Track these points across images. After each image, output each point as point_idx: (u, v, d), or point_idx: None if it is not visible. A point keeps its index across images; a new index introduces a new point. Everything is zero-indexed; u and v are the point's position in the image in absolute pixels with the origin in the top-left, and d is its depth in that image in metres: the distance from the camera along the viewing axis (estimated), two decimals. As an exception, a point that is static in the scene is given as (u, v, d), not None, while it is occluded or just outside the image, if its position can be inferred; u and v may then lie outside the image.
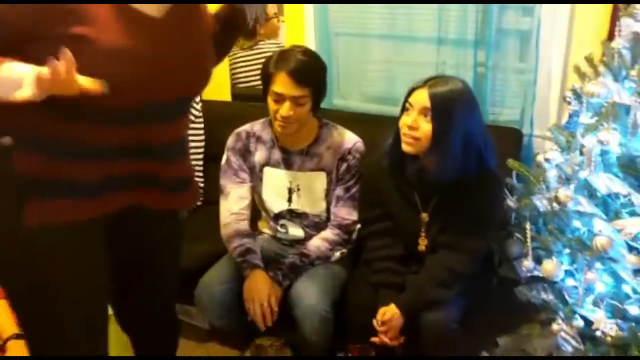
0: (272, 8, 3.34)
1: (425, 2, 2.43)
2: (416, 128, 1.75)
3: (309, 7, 2.69)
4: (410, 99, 1.78)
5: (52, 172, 1.29)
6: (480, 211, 1.84)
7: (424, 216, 1.93)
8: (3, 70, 1.14)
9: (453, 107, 1.74)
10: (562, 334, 1.72)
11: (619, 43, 1.70)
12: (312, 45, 2.68)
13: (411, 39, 2.53)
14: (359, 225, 2.09)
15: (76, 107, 1.19)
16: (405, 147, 1.79)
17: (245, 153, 2.10)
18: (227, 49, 1.65)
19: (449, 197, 1.87)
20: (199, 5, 1.42)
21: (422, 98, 1.75)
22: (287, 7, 2.80)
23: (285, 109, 1.88)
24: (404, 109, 1.81)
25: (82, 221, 1.34)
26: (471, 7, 2.34)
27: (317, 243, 2.05)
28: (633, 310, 1.56)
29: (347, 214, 2.05)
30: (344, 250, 2.11)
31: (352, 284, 2.09)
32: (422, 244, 1.95)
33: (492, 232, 1.91)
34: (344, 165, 2.04)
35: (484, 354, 2.19)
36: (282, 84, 1.86)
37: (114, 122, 1.30)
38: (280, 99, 1.89)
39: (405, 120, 1.79)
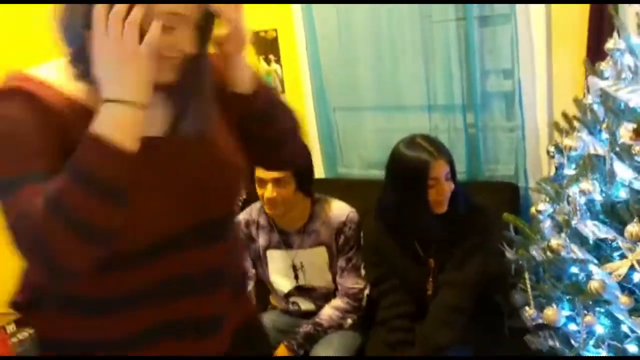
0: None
1: (419, 2, 2.53)
2: (445, 192, 1.95)
3: (308, 84, 2.89)
4: (433, 174, 1.93)
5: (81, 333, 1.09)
6: (473, 242, 1.98)
7: (431, 262, 2.05)
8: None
9: (452, 158, 2.01)
10: (571, 378, 1.78)
11: (589, 99, 1.85)
12: (313, 120, 2.87)
13: (403, 108, 2.71)
14: (367, 291, 2.19)
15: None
16: (442, 210, 1.97)
17: (248, 241, 2.23)
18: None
19: (444, 238, 2.01)
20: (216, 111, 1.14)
21: (442, 168, 1.94)
22: (287, 85, 3.00)
23: (268, 192, 2.03)
24: (426, 186, 1.94)
25: None
26: (456, 74, 2.52)
27: (329, 312, 2.15)
28: (632, 349, 1.63)
29: (353, 283, 2.16)
30: (355, 317, 2.20)
31: (370, 344, 2.16)
32: (430, 289, 2.05)
33: (488, 260, 2.02)
34: (342, 238, 2.15)
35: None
36: (262, 169, 2.00)
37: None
38: (262, 182, 2.04)
39: (434, 194, 1.95)
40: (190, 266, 1.09)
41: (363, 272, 2.19)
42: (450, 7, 2.46)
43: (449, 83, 2.54)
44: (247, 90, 1.13)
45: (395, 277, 2.08)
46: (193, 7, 0.98)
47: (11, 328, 2.41)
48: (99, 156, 0.90)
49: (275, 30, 2.93)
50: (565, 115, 1.96)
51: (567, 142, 1.84)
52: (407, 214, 1.99)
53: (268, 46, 2.94)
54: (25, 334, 2.44)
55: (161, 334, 1.11)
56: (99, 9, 0.92)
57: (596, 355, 1.70)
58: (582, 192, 1.72)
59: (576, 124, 1.89)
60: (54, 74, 1.02)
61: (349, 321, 2.18)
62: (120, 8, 0.92)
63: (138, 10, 0.92)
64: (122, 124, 0.92)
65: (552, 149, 2.00)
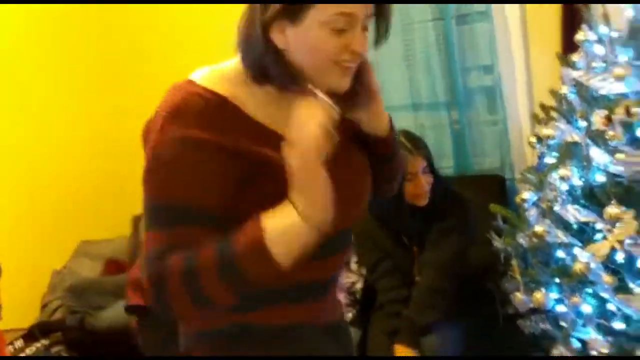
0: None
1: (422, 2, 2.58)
2: (423, 185, 2.04)
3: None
4: (410, 169, 2.02)
5: None
6: (447, 224, 2.08)
7: (415, 249, 2.14)
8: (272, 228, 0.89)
9: (429, 151, 2.09)
10: (563, 358, 1.85)
11: (564, 90, 1.93)
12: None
13: (389, 108, 2.75)
14: (360, 285, 2.26)
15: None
16: (422, 203, 2.06)
17: None
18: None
19: (426, 226, 2.11)
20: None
21: (418, 163, 2.04)
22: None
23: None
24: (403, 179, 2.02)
25: None
26: (438, 72, 2.60)
27: None
28: (619, 326, 1.70)
29: (343, 278, 2.23)
30: (354, 311, 2.26)
31: (371, 332, 2.22)
32: (416, 274, 2.13)
33: (464, 241, 2.11)
34: None
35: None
36: None
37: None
38: None
39: (410, 188, 2.03)
40: (325, 272, 1.09)
41: (353, 266, 2.27)
42: (427, 8, 2.54)
43: (431, 81, 2.62)
44: (385, 132, 1.12)
45: (389, 260, 2.16)
46: (361, 6, 0.94)
47: (19, 344, 2.46)
48: (257, 265, 0.88)
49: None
50: (542, 106, 2.04)
51: (545, 131, 1.92)
52: (387, 206, 2.07)
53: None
54: (33, 348, 2.49)
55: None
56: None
57: (586, 335, 1.77)
58: (562, 179, 1.79)
59: (553, 114, 1.96)
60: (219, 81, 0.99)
61: (349, 315, 2.24)
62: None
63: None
64: (297, 243, 0.89)
65: (533, 139, 2.08)
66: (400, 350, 1.99)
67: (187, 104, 0.94)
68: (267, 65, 0.95)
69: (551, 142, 1.91)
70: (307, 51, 0.94)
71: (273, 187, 0.94)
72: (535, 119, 2.07)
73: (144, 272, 0.91)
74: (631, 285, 1.67)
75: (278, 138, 0.94)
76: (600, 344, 1.71)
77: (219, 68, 1.02)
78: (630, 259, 1.69)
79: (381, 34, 1.01)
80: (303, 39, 0.93)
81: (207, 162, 0.93)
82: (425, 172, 2.06)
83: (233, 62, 1.02)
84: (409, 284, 2.12)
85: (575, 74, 1.84)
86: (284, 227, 0.89)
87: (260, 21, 0.93)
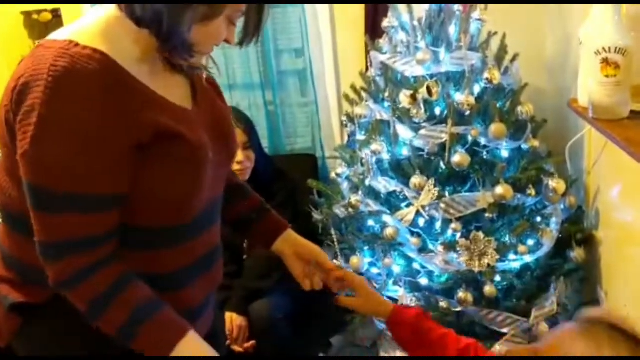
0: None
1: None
2: (242, 162, 2.06)
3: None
4: None
5: None
6: (278, 201, 2.11)
7: None
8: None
9: (252, 127, 2.15)
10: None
11: (372, 72, 2.11)
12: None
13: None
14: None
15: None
16: (243, 179, 2.03)
17: None
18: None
19: None
20: (222, 97, 1.19)
21: (238, 137, 2.01)
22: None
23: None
24: None
25: None
26: (253, 54, 2.64)
27: None
28: (424, 281, 1.93)
29: None
30: None
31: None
32: (245, 251, 2.16)
33: (296, 218, 2.17)
34: None
35: (321, 355, 2.46)
36: None
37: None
38: None
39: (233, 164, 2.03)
40: (214, 240, 1.13)
41: None
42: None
43: (246, 63, 2.66)
44: None
45: None
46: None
47: None
48: (149, 346, 0.96)
49: (57, 10, 2.73)
50: (353, 88, 2.19)
51: (357, 111, 2.07)
52: None
53: (43, 31, 2.64)
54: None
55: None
56: None
57: (395, 293, 1.97)
58: (373, 153, 1.96)
59: (363, 94, 2.13)
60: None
61: None
62: None
63: None
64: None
65: (344, 118, 2.23)
66: (230, 317, 2.02)
67: (76, 67, 0.86)
68: (172, 38, 0.92)
69: (362, 120, 2.08)
70: (207, 35, 0.95)
71: (173, 153, 0.93)
72: (346, 99, 2.22)
73: (48, 265, 0.91)
74: (431, 246, 1.90)
75: (173, 108, 0.95)
76: (408, 299, 1.92)
77: (93, 26, 0.94)
78: (430, 222, 1.92)
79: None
80: (209, 28, 0.94)
81: (103, 133, 0.87)
82: (246, 147, 2.09)
83: (103, 19, 0.94)
84: (238, 260, 2.15)
85: (382, 57, 2.02)
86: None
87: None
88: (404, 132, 1.92)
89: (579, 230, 1.95)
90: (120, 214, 0.94)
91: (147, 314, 0.94)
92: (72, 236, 0.90)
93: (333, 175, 2.29)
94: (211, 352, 0.99)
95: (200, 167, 0.98)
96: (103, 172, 0.89)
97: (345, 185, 2.18)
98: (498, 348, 1.87)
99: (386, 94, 2.00)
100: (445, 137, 1.83)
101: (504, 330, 1.86)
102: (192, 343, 0.96)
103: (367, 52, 2.24)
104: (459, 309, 1.85)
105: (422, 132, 1.87)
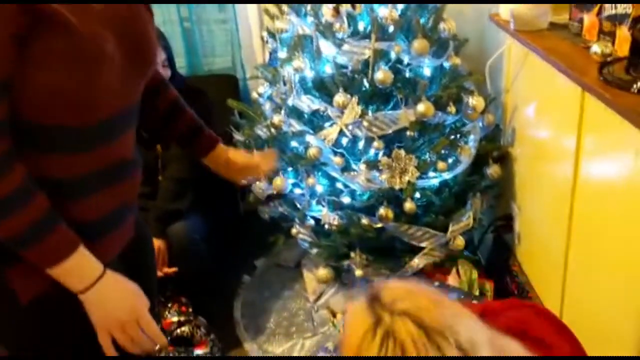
0: None
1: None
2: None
3: None
4: None
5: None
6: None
7: (158, 146, 2.08)
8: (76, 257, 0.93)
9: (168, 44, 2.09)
10: (300, 235, 2.05)
11: (294, -15, 2.01)
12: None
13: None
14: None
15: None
16: None
17: None
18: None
19: None
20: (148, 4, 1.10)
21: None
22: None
23: None
24: None
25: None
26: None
27: None
28: (346, 200, 1.94)
29: None
30: None
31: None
32: (160, 172, 2.10)
33: None
34: None
35: (246, 277, 2.47)
36: None
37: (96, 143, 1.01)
38: None
39: None
40: (125, 152, 1.07)
41: None
42: None
43: (159, -26, 2.47)
44: None
45: None
46: None
47: None
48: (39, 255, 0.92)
49: None
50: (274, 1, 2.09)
51: (278, 25, 1.99)
52: None
53: None
54: None
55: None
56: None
57: (318, 212, 1.97)
58: (296, 70, 1.90)
59: (285, 7, 2.03)
60: None
61: None
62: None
63: None
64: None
65: (265, 34, 2.14)
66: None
67: None
68: None
69: (283, 35, 2.00)
70: None
71: (60, 44, 0.86)
72: (266, 13, 2.13)
73: None
74: (354, 165, 1.90)
75: None
76: (331, 217, 1.93)
77: None
78: (353, 141, 1.91)
79: None
80: None
81: None
82: (164, 65, 1.98)
83: None
84: (153, 181, 2.07)
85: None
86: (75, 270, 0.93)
87: None
88: (327, 48, 1.87)
89: (495, 148, 2.01)
90: (19, 109, 0.88)
91: (47, 226, 0.90)
92: None
93: (254, 95, 2.22)
94: (97, 268, 0.96)
95: (94, 64, 0.90)
96: None
97: (267, 106, 2.12)
98: (417, 261, 1.93)
99: (308, 7, 1.92)
100: (368, 53, 1.79)
101: (423, 245, 1.92)
102: (81, 258, 0.94)
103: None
104: (379, 226, 1.88)
105: (345, 47, 1.82)
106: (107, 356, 0.98)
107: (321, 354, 2.01)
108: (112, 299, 0.96)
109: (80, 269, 0.94)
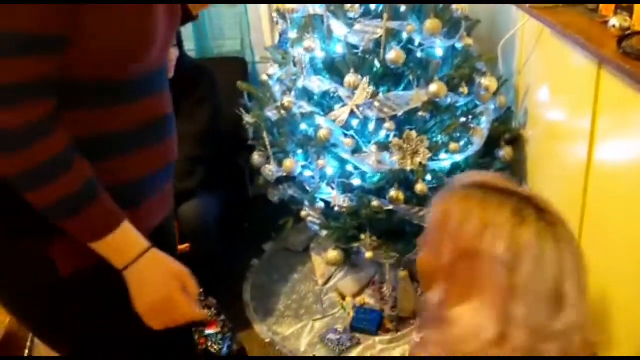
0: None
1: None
2: (170, 59, 1.98)
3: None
4: None
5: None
6: (199, 94, 2.09)
7: None
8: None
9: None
10: (310, 218, 2.04)
11: (304, -36, 1.98)
12: None
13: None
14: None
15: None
16: (169, 76, 1.92)
17: None
18: None
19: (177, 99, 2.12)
20: None
21: None
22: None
23: None
24: None
25: None
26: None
27: None
28: (357, 182, 1.93)
29: None
30: None
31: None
32: None
33: (216, 112, 2.16)
34: None
35: (255, 261, 2.47)
36: None
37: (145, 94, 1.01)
38: None
39: None
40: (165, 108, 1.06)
41: None
42: None
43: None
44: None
45: None
46: None
47: None
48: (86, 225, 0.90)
49: None
50: (285, -19, 2.07)
51: (288, 5, 1.97)
52: None
53: None
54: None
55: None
56: None
57: (327, 195, 1.96)
58: (306, 51, 1.88)
59: (295, -12, 2.01)
60: None
61: None
62: None
63: None
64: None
65: (275, 14, 2.12)
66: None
67: None
68: None
69: (294, 15, 1.98)
70: None
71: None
72: (277, -5, 2.10)
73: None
74: (364, 147, 1.89)
75: None
76: (341, 200, 1.92)
77: None
78: (364, 123, 1.89)
79: None
80: None
81: None
82: (174, 44, 1.98)
83: None
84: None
85: (315, -52, 1.89)
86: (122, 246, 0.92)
87: None
88: (338, 28, 1.85)
89: (507, 130, 1.98)
90: (72, 66, 0.85)
91: (87, 198, 0.87)
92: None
93: (264, 77, 2.21)
94: (140, 244, 0.93)
95: (147, 11, 0.90)
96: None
97: (277, 88, 2.10)
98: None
99: (319, -13, 1.90)
100: (380, 32, 1.77)
101: (434, 228, 1.91)
102: (123, 234, 0.91)
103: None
104: (390, 208, 1.87)
105: (357, 27, 1.80)
106: (142, 335, 0.96)
107: (331, 335, 2.01)
108: (153, 277, 0.93)
109: (122, 244, 0.91)
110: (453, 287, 0.83)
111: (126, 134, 0.95)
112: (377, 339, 2.01)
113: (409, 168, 1.82)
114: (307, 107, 1.93)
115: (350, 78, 1.81)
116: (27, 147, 0.82)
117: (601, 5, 1.28)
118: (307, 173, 1.99)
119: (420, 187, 1.83)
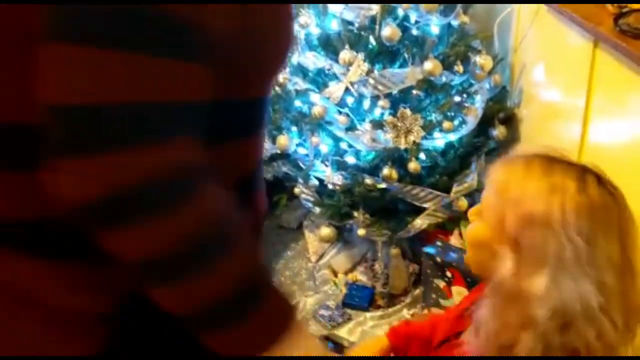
0: None
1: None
2: None
3: None
4: None
5: None
6: None
7: None
8: None
9: None
10: (303, 195, 2.05)
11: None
12: None
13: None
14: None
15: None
16: None
17: None
18: None
19: None
20: None
21: None
22: None
23: None
24: None
25: None
26: None
27: None
28: (350, 160, 1.93)
29: None
30: None
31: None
32: None
33: None
34: None
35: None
36: None
37: None
38: None
39: None
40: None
41: None
42: None
43: None
44: None
45: None
46: None
47: None
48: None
49: None
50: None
51: (284, -20, 1.95)
52: None
53: None
54: None
55: None
56: None
57: (321, 173, 1.96)
58: (301, 26, 1.87)
59: (291, -37, 1.99)
60: None
61: None
62: None
63: None
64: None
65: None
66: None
67: None
68: None
69: (289, -9, 1.96)
70: None
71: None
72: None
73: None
74: (359, 125, 1.89)
75: None
76: (335, 177, 1.92)
77: None
78: (359, 101, 1.89)
79: None
80: None
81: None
82: None
83: None
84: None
85: None
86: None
87: None
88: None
89: (502, 109, 1.99)
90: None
91: (264, 276, 0.63)
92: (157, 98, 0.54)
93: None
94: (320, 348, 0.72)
95: (289, 17, 0.76)
96: None
97: (271, 64, 2.09)
98: (419, 222, 1.93)
99: (315, -38, 1.88)
100: (376, 8, 1.76)
101: (426, 205, 1.91)
102: (301, 335, 0.67)
103: None
104: (383, 186, 1.87)
105: (352, 3, 1.79)
106: None
107: (322, 311, 2.03)
108: None
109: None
110: (521, 256, 0.81)
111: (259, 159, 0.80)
112: (368, 315, 2.03)
113: (402, 146, 1.82)
114: (301, 84, 1.92)
115: (345, 54, 1.80)
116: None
117: (598, -17, 1.27)
118: (301, 150, 1.99)
119: (413, 166, 1.83)
